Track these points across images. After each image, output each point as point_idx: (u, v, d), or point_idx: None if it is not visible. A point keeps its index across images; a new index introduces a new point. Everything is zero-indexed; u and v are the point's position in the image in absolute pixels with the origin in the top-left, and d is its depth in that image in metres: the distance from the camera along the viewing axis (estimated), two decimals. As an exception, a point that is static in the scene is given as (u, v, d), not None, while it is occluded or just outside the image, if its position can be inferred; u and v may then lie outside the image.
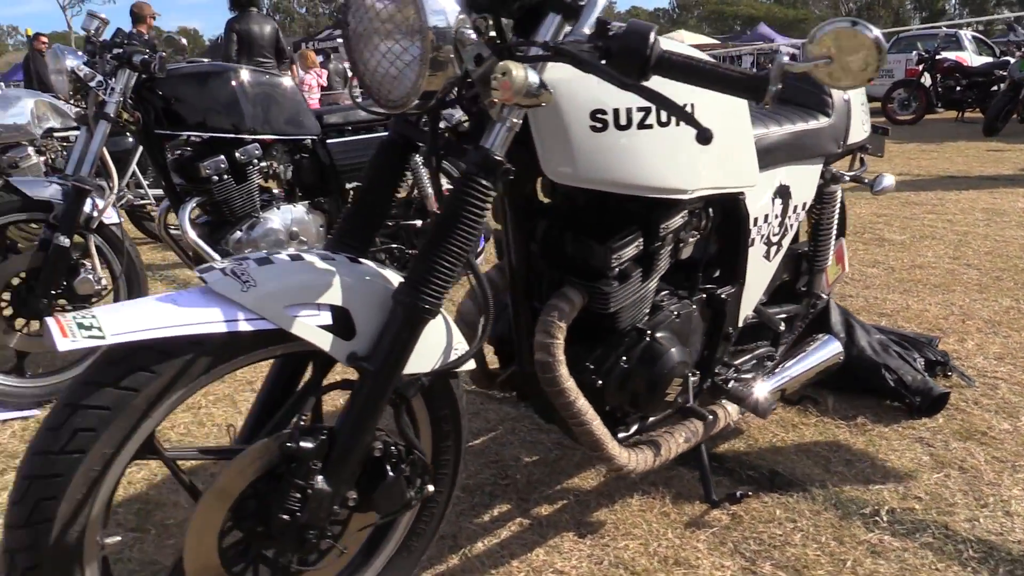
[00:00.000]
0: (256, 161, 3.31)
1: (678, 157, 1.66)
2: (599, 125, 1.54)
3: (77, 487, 1.20)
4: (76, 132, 5.16)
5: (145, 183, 5.48)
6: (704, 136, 1.20)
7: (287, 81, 3.41)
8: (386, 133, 3.56)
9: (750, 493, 2.12)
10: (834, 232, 2.47)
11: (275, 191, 3.55)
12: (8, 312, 2.97)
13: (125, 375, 1.20)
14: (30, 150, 4.95)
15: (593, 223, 1.72)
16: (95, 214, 2.98)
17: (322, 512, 1.38)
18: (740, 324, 2.15)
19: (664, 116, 1.61)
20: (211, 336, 1.24)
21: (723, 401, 2.14)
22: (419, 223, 3.85)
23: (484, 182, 1.37)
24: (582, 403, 1.74)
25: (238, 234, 3.26)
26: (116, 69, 2.97)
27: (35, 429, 2.82)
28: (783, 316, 2.42)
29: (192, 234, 3.15)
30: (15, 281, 2.96)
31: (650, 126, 1.59)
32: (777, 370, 2.34)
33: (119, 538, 1.35)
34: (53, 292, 2.94)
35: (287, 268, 1.34)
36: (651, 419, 2.02)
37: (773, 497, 2.17)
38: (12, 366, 3.00)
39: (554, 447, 2.48)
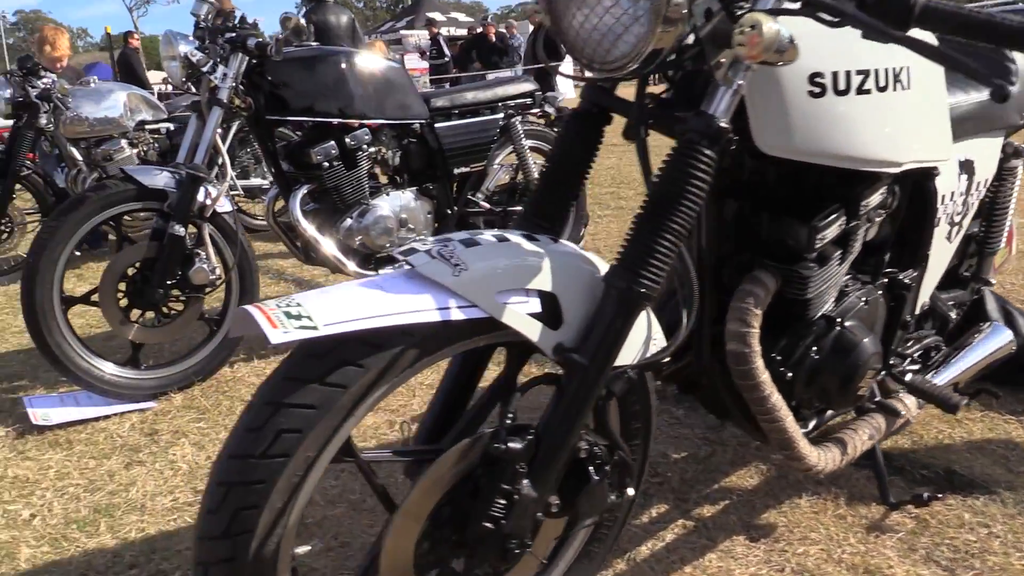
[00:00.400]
0: (366, 147, 3.19)
1: (893, 126, 1.48)
2: (817, 90, 1.36)
3: (279, 494, 1.07)
4: (167, 124, 5.13)
5: (231, 172, 5.42)
6: (1001, 93, 1.02)
7: (396, 64, 3.28)
8: (493, 116, 3.43)
9: (939, 496, 1.93)
10: (1011, 211, 2.25)
11: (380, 178, 3.43)
12: (123, 303, 2.89)
13: (332, 370, 1.07)
14: (123, 142, 4.92)
15: (791, 200, 1.55)
16: (208, 202, 2.89)
17: (526, 519, 1.24)
18: (917, 311, 1.96)
19: (883, 81, 1.43)
20: (422, 326, 1.10)
21: (901, 395, 1.95)
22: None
23: (707, 152, 1.21)
24: (777, 398, 1.57)
25: (348, 222, 3.14)
26: (229, 54, 2.87)
27: (153, 420, 2.74)
28: (952, 303, 2.22)
29: (305, 223, 3.05)
30: (130, 271, 2.88)
31: (868, 91, 1.41)
32: (950, 361, 2.14)
33: (309, 547, 1.23)
34: (168, 282, 2.85)
35: (495, 250, 1.20)
36: (829, 415, 1.85)
37: (956, 499, 1.98)
38: (127, 358, 2.93)
39: (701, 443, 2.31)
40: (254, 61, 2.94)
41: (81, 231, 2.75)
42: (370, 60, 3.20)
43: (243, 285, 3.06)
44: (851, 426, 1.83)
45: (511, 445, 1.20)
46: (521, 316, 1.17)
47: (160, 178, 2.84)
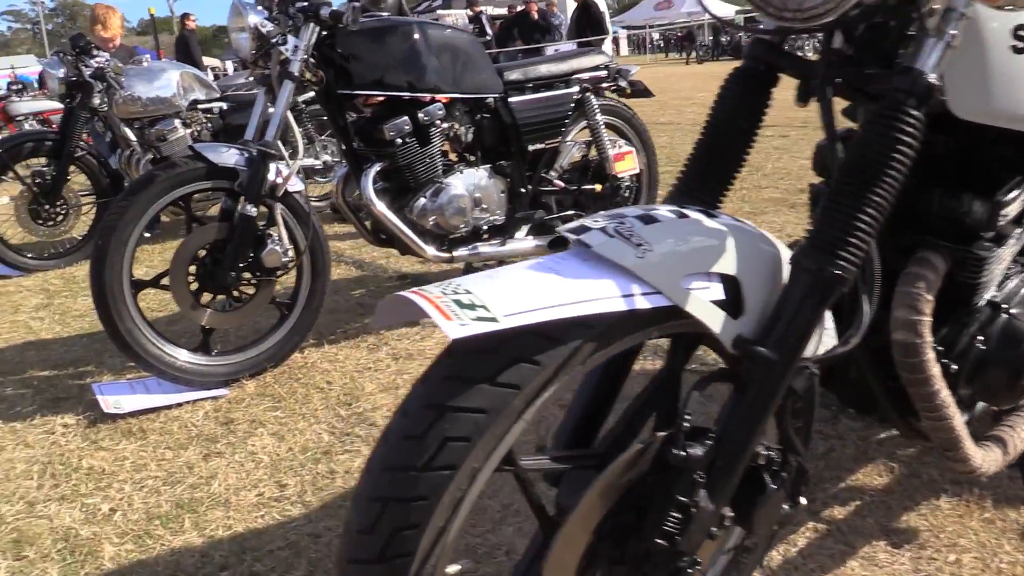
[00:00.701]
0: (439, 122, 3.03)
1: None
2: (1022, 45, 1.18)
3: (442, 511, 0.93)
4: (220, 104, 5.01)
5: (302, 150, 5.29)
6: None
7: (469, 35, 3.11)
8: (567, 90, 3.25)
9: (1104, 499, 1.75)
10: None
11: (450, 155, 3.27)
12: (193, 287, 2.77)
13: (505, 368, 0.92)
14: (177, 122, 4.82)
15: (971, 172, 1.37)
16: (280, 181, 2.75)
17: (701, 534, 1.08)
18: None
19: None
20: (602, 316, 0.94)
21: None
22: (598, 187, 3.53)
23: (915, 112, 1.04)
24: (946, 394, 1.40)
25: (422, 201, 2.99)
26: (301, 24, 2.72)
27: (227, 409, 2.62)
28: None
29: (377, 202, 2.90)
30: (200, 254, 2.76)
31: (1077, 45, 1.22)
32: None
33: (459, 567, 1.08)
34: (240, 265, 2.73)
35: (677, 228, 1.04)
36: (980, 410, 1.67)
37: (1117, 501, 1.80)
38: (197, 343, 2.81)
39: (817, 437, 2.14)
40: (324, 32, 2.79)
41: (151, 211, 2.63)
42: (444, 31, 3.04)
43: (315, 267, 2.93)
44: (1008, 423, 1.65)
45: (691, 451, 1.05)
46: (705, 304, 1.01)
47: (230, 156, 2.70)
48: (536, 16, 10.67)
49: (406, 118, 2.94)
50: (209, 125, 5.01)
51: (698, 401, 1.20)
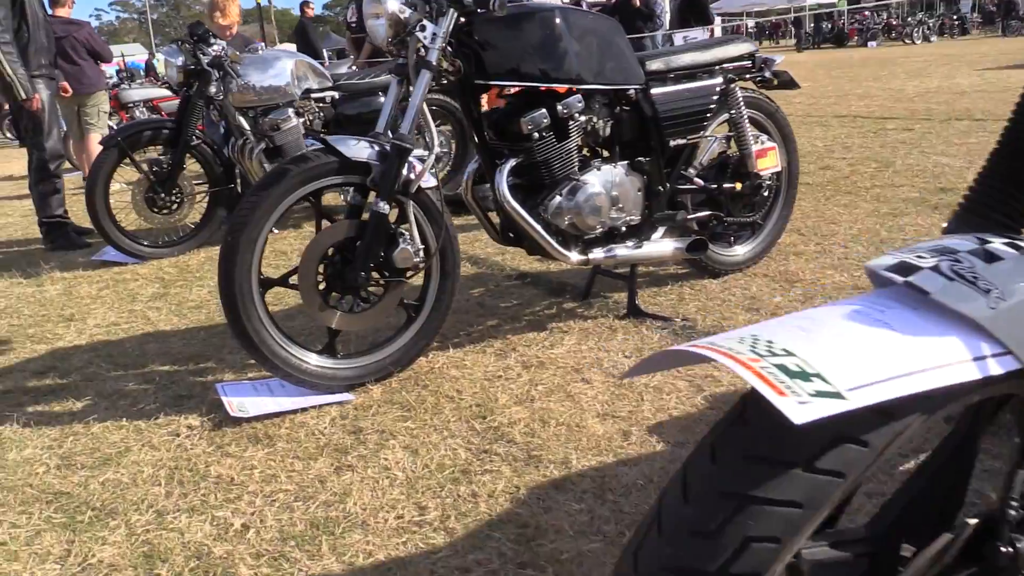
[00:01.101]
0: (577, 115, 2.82)
1: None
2: None
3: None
4: (332, 93, 4.90)
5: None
6: None
7: (612, 21, 2.89)
8: (711, 81, 2.99)
9: None
10: None
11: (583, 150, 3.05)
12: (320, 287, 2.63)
13: (828, 449, 0.70)
14: (290, 111, 4.72)
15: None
16: (413, 177, 2.58)
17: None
18: None
19: None
20: (953, 387, 0.71)
21: None
22: (738, 186, 3.26)
23: None
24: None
25: (558, 199, 2.79)
26: (442, 10, 2.54)
27: (354, 416, 2.47)
28: None
29: (512, 200, 2.70)
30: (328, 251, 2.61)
31: None
32: None
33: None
34: (371, 264, 2.57)
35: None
36: None
37: None
38: (323, 346, 2.67)
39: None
40: (461, 19, 2.60)
41: (282, 207, 2.49)
42: (587, 16, 2.82)
43: (444, 268, 2.76)
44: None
45: (1020, 546, 0.81)
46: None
47: (363, 149, 2.54)
48: (638, 3, 10.30)
49: (544, 111, 2.74)
50: (321, 114, 4.91)
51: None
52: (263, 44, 4.76)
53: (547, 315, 3.23)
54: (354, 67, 7.64)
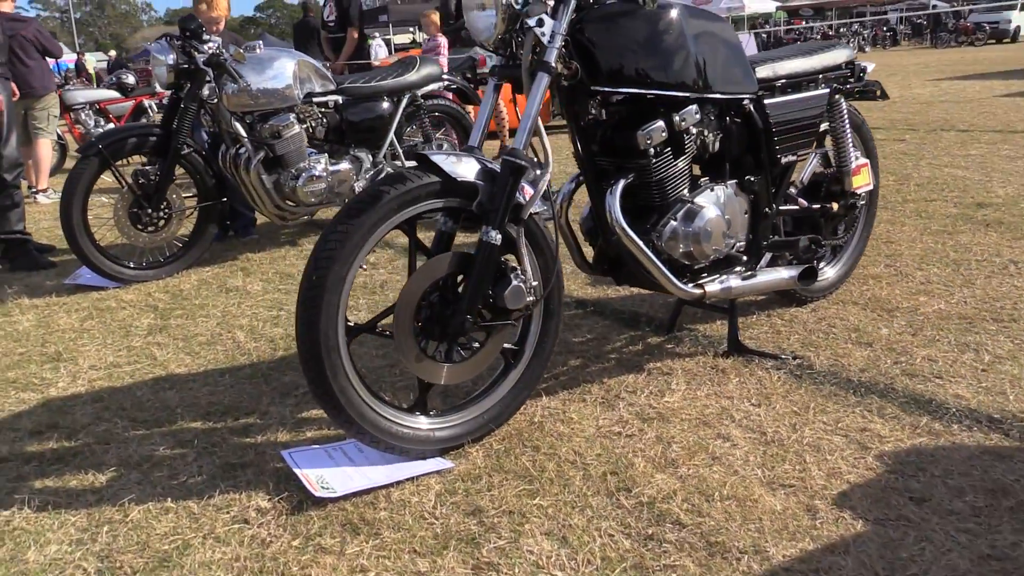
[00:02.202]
0: (693, 128, 2.40)
1: None
2: None
3: None
4: (336, 97, 4.38)
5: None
6: None
7: (724, 21, 2.48)
8: (819, 91, 2.61)
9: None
10: None
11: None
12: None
13: None
14: (292, 117, 4.17)
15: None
16: (524, 200, 2.12)
17: None
18: None
19: None
20: None
21: None
22: (835, 206, 2.89)
23: None
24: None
25: (673, 224, 2.37)
26: (558, 3, 2.08)
27: (465, 491, 2.00)
28: None
29: (629, 229, 2.27)
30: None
31: None
32: None
33: None
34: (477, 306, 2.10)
35: None
36: None
37: None
38: (413, 402, 2.18)
39: None
40: (575, 15, 2.15)
41: (376, 236, 2.00)
42: (707, 17, 2.40)
43: (548, 306, 2.30)
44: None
45: None
46: None
47: (470, 167, 2.07)
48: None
49: (661, 123, 2.31)
50: (325, 121, 4.37)
51: None
52: (261, 43, 4.19)
53: (634, 352, 2.79)
54: (332, 71, 7.06)
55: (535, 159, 2.17)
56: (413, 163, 2.33)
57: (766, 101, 2.57)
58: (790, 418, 2.28)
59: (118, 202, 4.06)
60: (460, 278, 2.13)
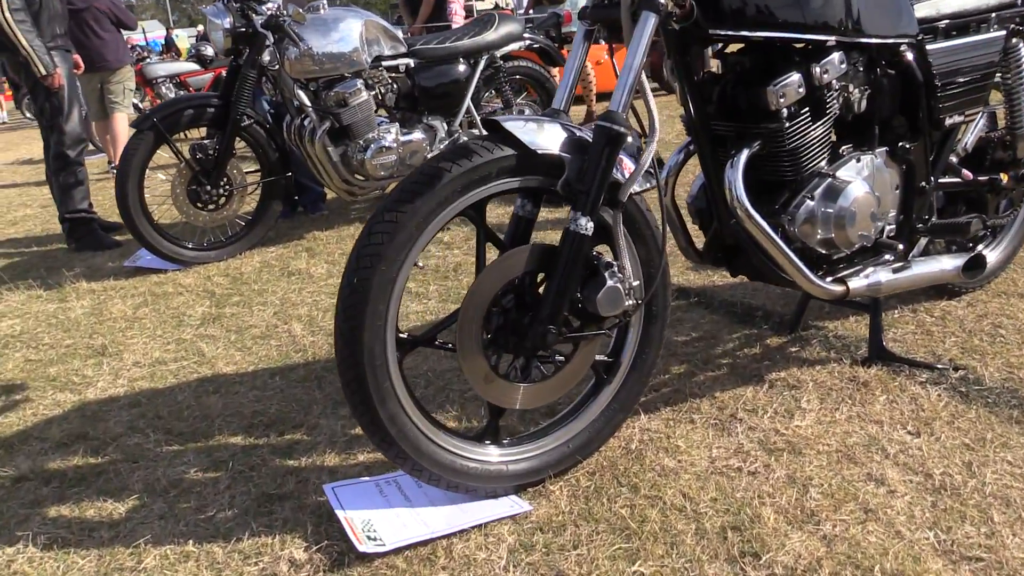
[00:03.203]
0: (835, 82, 1.87)
1: None
2: None
3: None
4: (408, 60, 3.95)
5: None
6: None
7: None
8: (993, 34, 1.99)
9: None
10: None
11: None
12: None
13: None
14: (359, 83, 3.75)
15: None
16: (623, 178, 1.64)
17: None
18: None
19: None
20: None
21: None
22: (1004, 178, 2.30)
23: None
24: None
25: (810, 204, 1.86)
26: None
27: (544, 545, 1.56)
28: None
29: (754, 211, 1.77)
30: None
31: None
32: None
33: None
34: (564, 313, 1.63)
35: None
36: None
37: None
38: (481, 429, 1.75)
39: None
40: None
41: (434, 226, 1.56)
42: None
43: (650, 310, 1.82)
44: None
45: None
46: None
47: (553, 136, 1.60)
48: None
49: (798, 76, 1.79)
50: (395, 86, 3.95)
51: None
52: (324, 2, 3.78)
53: (750, 357, 2.29)
54: (410, 34, 6.65)
55: (637, 125, 1.69)
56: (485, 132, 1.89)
57: (928, 47, 2.00)
58: (962, 454, 1.75)
59: (175, 179, 3.74)
60: (541, 277, 1.67)
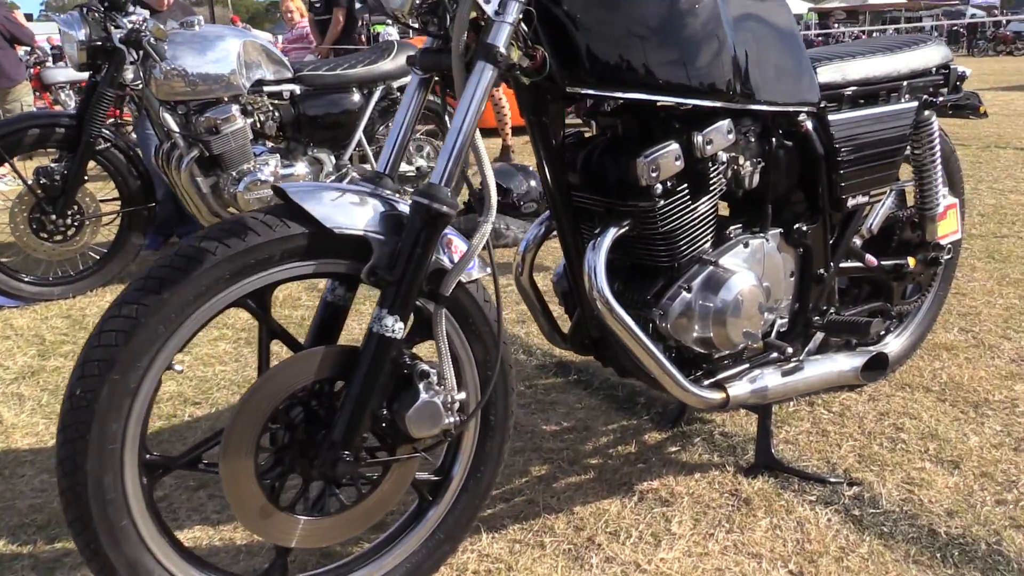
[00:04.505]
0: (722, 154, 1.57)
1: None
2: None
3: None
4: (292, 87, 3.58)
5: (373, 157, 3.83)
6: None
7: (782, 3, 1.63)
8: (903, 105, 1.73)
9: None
10: None
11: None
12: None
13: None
14: (234, 109, 3.37)
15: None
16: (449, 262, 1.30)
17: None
18: None
19: None
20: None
21: None
22: (912, 262, 2.04)
23: None
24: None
25: (684, 298, 1.54)
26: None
27: None
28: None
29: (616, 304, 1.45)
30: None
31: None
32: None
33: None
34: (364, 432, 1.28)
35: None
36: None
37: None
38: (262, 572, 1.37)
39: None
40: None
41: (190, 325, 1.19)
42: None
43: (487, 421, 1.47)
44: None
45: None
46: None
47: (357, 210, 1.25)
48: None
49: (675, 146, 1.48)
50: (277, 115, 3.56)
51: None
52: (201, 18, 3.39)
53: (623, 457, 1.96)
54: (318, 56, 6.26)
55: (471, 198, 1.35)
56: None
57: (830, 117, 1.73)
58: (851, 605, 1.45)
59: (15, 206, 3.27)
60: (341, 385, 1.31)
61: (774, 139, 1.69)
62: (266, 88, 3.53)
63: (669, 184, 1.50)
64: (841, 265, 1.90)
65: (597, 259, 1.47)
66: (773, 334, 1.75)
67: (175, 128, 3.32)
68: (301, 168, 3.61)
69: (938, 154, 2.01)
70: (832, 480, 1.81)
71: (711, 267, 1.58)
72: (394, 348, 1.26)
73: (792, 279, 1.78)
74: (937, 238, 2.09)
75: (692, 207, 1.53)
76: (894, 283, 2.07)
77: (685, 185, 1.52)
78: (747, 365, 1.69)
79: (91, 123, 3.25)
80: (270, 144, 3.60)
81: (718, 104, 1.49)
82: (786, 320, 1.80)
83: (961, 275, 3.21)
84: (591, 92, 1.39)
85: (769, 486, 1.81)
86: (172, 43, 3.30)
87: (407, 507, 1.51)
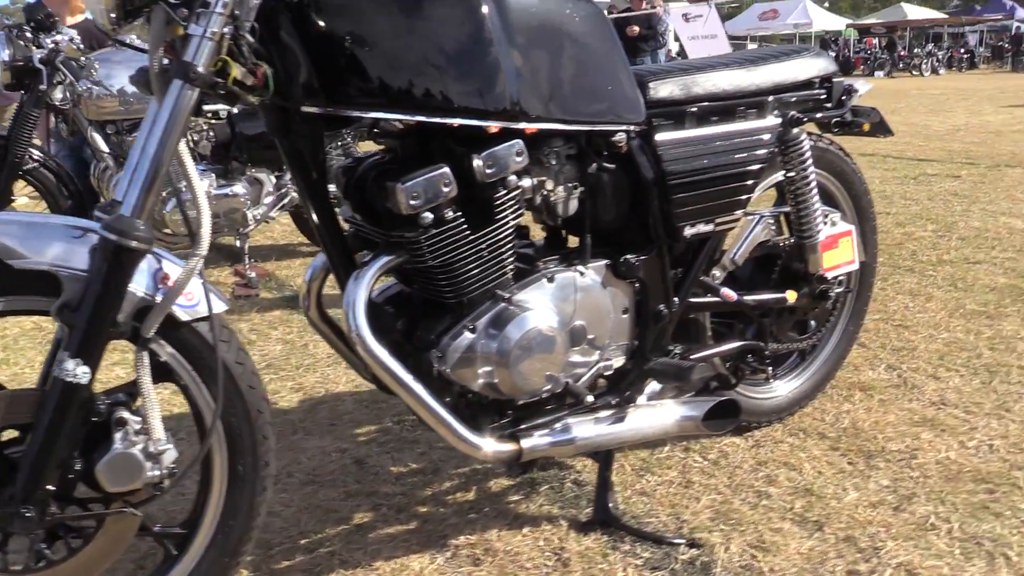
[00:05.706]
0: (512, 178, 1.41)
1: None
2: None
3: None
4: (227, 107, 3.50)
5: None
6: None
7: (591, 4, 1.48)
8: (762, 122, 1.57)
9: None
10: None
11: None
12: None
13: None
14: (166, 128, 3.28)
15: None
16: (158, 297, 1.18)
17: None
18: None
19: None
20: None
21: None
22: (791, 297, 1.85)
23: None
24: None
25: (467, 339, 1.37)
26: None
27: None
28: None
29: (374, 344, 1.30)
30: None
31: None
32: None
33: None
34: (48, 491, 1.15)
35: None
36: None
37: None
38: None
39: None
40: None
41: None
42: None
43: (234, 462, 1.34)
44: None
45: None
46: None
47: (55, 242, 1.15)
48: (637, 29, 8.81)
49: (445, 170, 1.33)
50: (211, 134, 3.50)
51: None
52: (133, 36, 3.35)
53: (456, 506, 1.80)
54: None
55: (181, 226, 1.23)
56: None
57: (658, 137, 1.56)
58: None
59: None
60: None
61: (594, 162, 1.53)
62: (206, 107, 3.48)
63: (445, 212, 1.35)
64: (692, 300, 1.72)
65: (357, 293, 1.33)
66: (591, 378, 1.57)
67: (103, 148, 3.29)
68: (238, 188, 3.53)
69: (810, 175, 1.81)
70: (671, 541, 1.63)
71: (502, 304, 1.42)
72: (81, 394, 1.14)
73: (625, 316, 1.61)
74: (822, 270, 1.89)
75: (472, 237, 1.38)
76: (763, 320, 1.88)
77: (462, 213, 1.37)
78: (553, 414, 1.52)
79: (16, 143, 3.22)
80: (205, 164, 3.54)
81: (488, 123, 1.34)
82: (622, 359, 1.62)
83: (914, 305, 2.98)
84: (328, 111, 1.25)
85: (598, 545, 1.63)
86: (101, 61, 3.27)
87: (155, 562, 1.39)
